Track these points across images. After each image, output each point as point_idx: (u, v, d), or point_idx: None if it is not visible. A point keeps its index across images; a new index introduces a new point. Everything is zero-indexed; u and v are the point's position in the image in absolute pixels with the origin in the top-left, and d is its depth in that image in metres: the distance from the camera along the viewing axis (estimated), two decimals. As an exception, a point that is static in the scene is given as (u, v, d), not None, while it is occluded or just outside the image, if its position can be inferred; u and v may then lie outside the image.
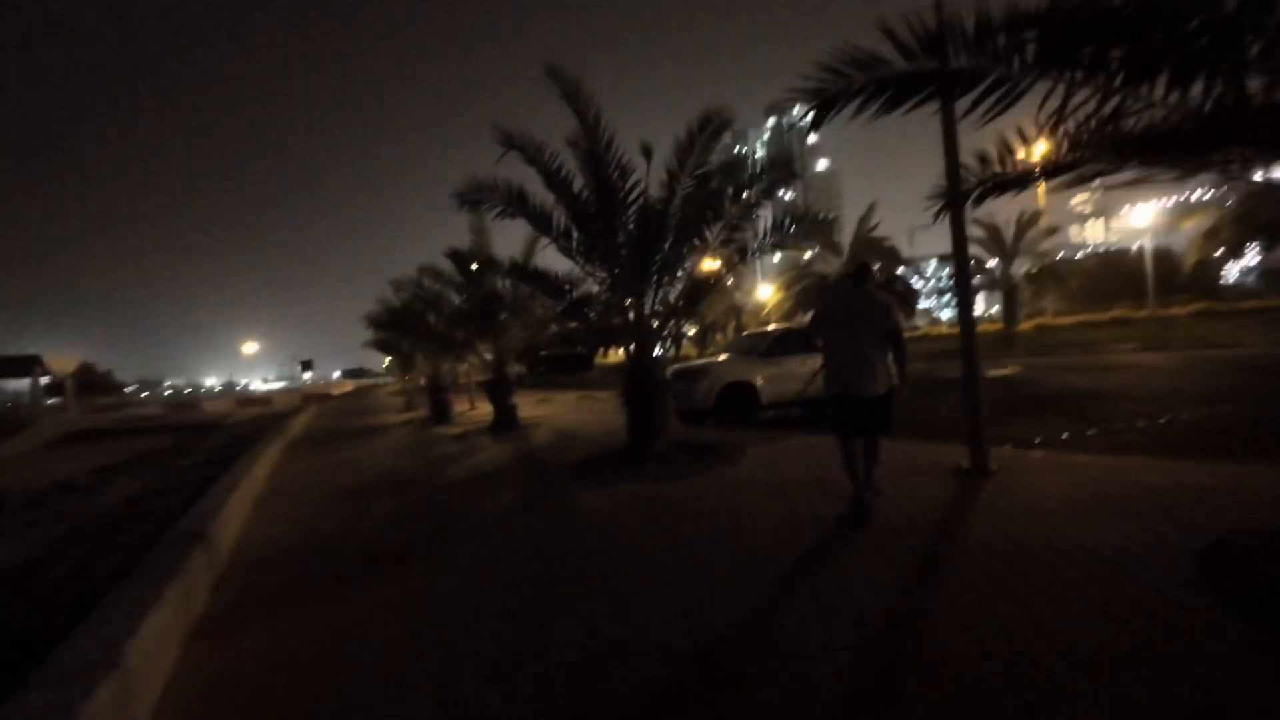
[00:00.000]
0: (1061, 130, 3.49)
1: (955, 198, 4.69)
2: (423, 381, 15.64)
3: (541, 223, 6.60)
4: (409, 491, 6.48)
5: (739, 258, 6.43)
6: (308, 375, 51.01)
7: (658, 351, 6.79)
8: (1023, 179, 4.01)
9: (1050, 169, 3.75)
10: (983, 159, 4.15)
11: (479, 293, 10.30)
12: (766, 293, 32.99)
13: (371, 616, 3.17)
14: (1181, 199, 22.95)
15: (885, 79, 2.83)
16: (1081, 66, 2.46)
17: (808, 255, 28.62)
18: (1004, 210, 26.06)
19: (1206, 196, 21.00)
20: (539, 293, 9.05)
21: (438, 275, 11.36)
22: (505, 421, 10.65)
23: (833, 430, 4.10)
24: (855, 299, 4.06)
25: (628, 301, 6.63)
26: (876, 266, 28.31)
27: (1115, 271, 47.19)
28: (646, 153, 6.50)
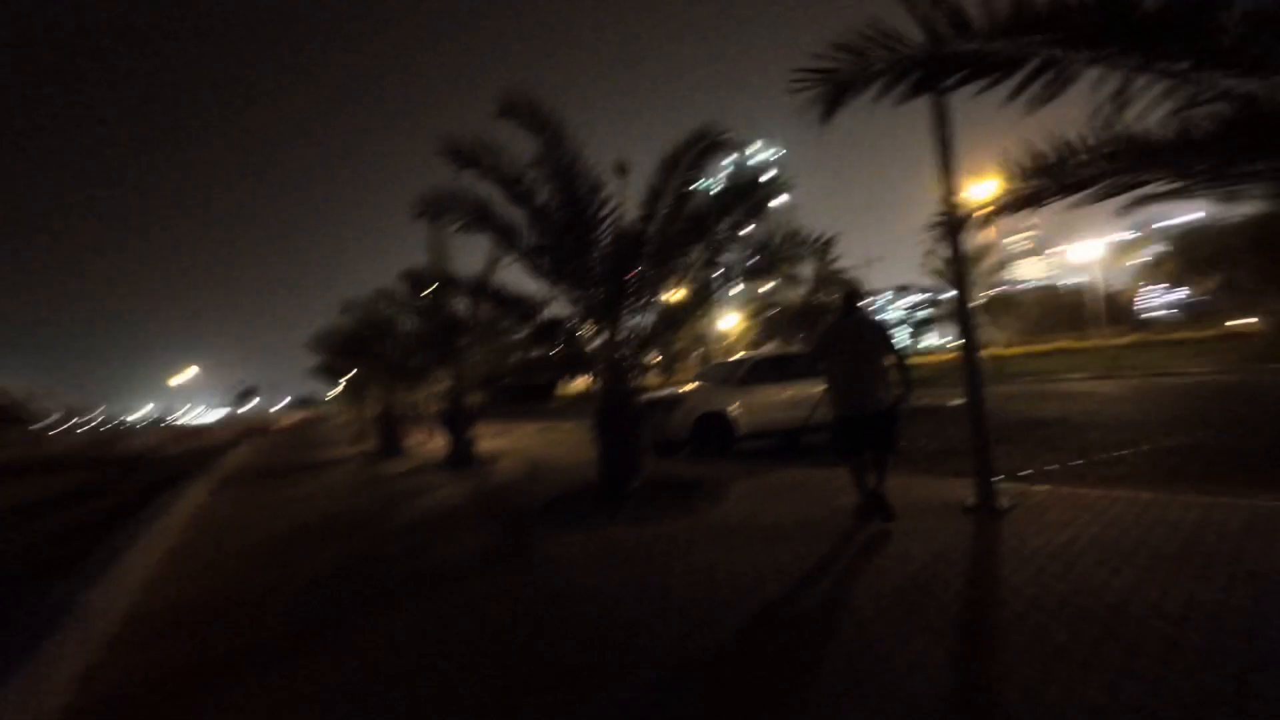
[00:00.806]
0: (1080, 139, 3.25)
1: (953, 219, 4.42)
2: (375, 412, 14.61)
3: (507, 238, 6.08)
4: (350, 538, 5.69)
5: (723, 280, 6.04)
6: (250, 405, 48.19)
7: (633, 381, 6.28)
8: (1037, 195, 3.75)
9: (1073, 184, 3.49)
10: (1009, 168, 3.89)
11: (437, 316, 9.62)
12: (730, 322, 33.08)
13: (283, 715, 2.47)
14: (1121, 237, 24.21)
15: (910, 59, 2.47)
16: (1148, 51, 2.14)
17: (768, 286, 28.90)
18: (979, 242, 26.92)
19: (1156, 225, 22.18)
20: (503, 317, 8.47)
21: (392, 298, 10.63)
22: (462, 455, 9.87)
23: (841, 449, 4.41)
24: (854, 323, 4.43)
25: (601, 326, 6.14)
26: (836, 297, 28.80)
27: (1054, 305, 49.72)
28: (620, 170, 6.11)
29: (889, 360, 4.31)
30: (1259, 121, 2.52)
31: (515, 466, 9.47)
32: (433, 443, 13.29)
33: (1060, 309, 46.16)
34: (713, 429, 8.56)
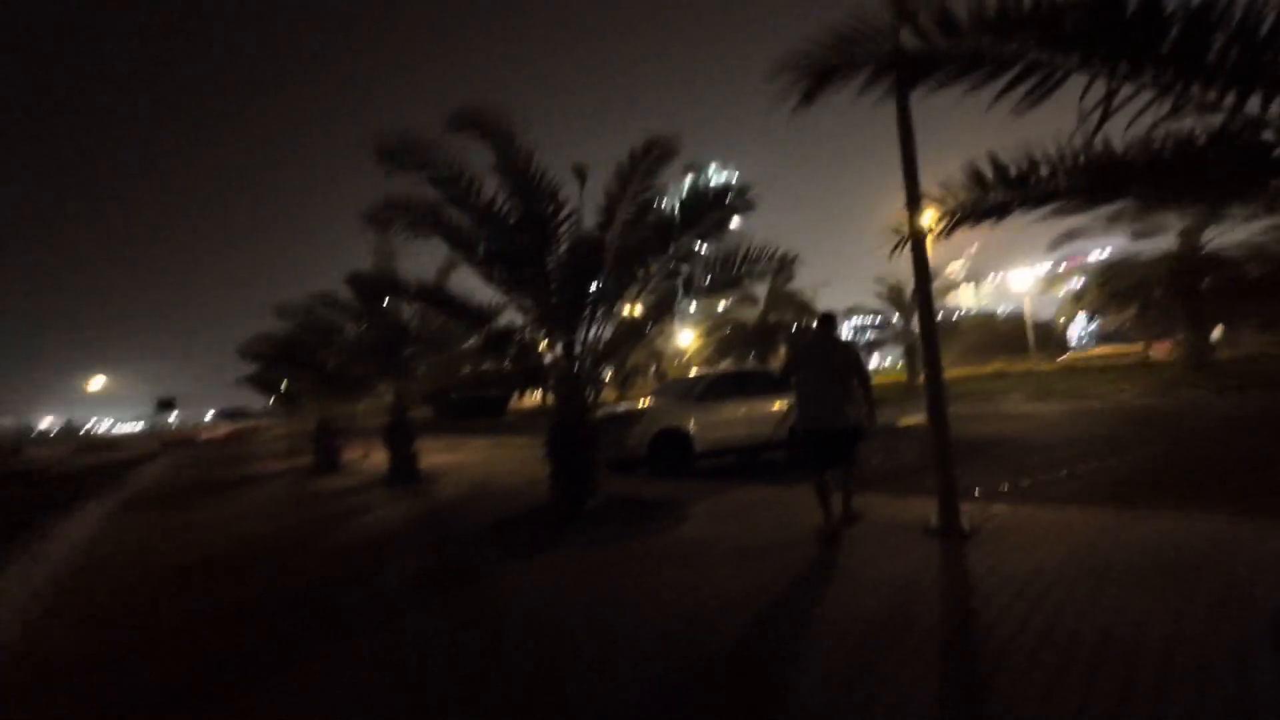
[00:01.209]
0: (1049, 153, 3.23)
1: (916, 231, 4.37)
2: (312, 425, 13.67)
3: (460, 243, 5.72)
4: (273, 567, 5.11)
5: (683, 292, 5.86)
6: (171, 416, 44.84)
7: (590, 396, 5.98)
8: (1002, 208, 3.73)
9: (1034, 197, 3.48)
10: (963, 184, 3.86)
11: (381, 323, 9.05)
12: (685, 339, 33.24)
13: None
14: (1052, 268, 25.60)
15: (893, 54, 2.35)
16: (1138, 59, 2.07)
17: (723, 305, 29.23)
18: (903, 269, 28.09)
19: (1083, 258, 23.55)
20: (453, 326, 8.02)
21: (334, 303, 9.96)
22: (405, 472, 9.27)
23: (806, 464, 4.51)
24: (824, 344, 4.60)
25: (556, 338, 5.84)
26: (790, 319, 29.36)
27: (991, 331, 52.41)
28: (579, 174, 5.88)
29: (855, 382, 4.47)
30: (1227, 146, 2.51)
31: (463, 484, 8.95)
32: (374, 458, 12.52)
33: (996, 335, 48.67)
34: (671, 446, 8.33)
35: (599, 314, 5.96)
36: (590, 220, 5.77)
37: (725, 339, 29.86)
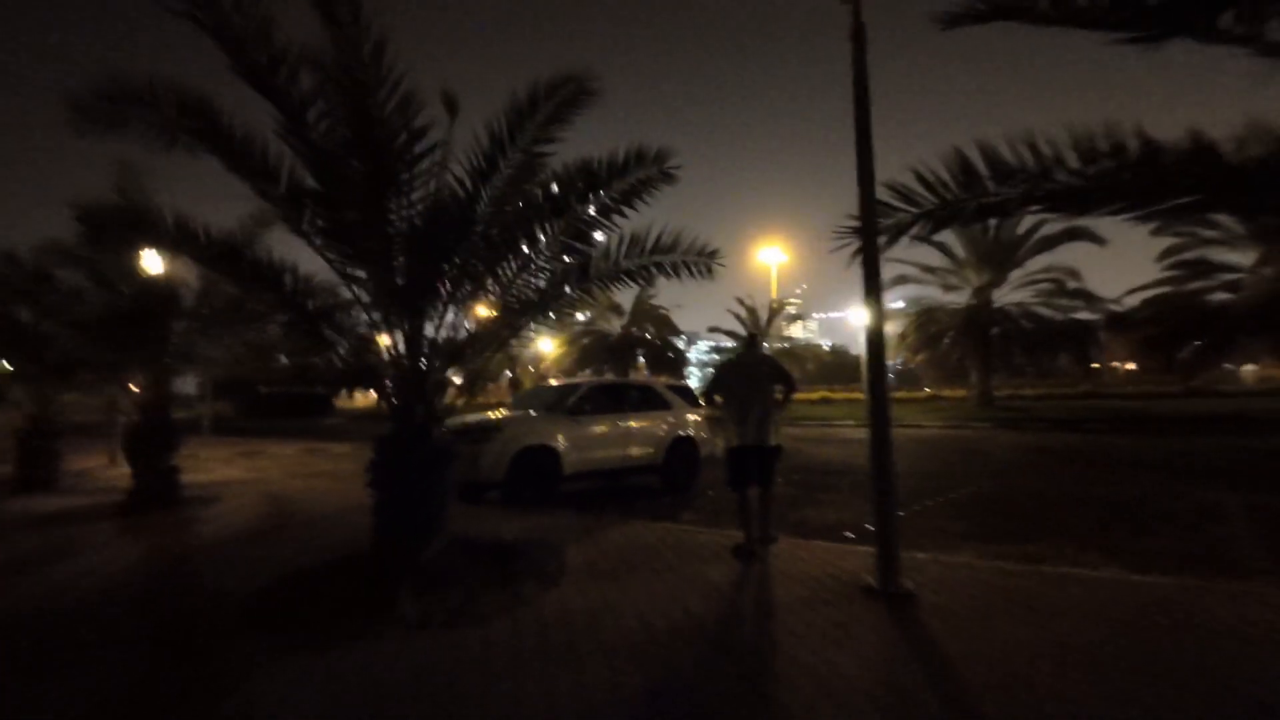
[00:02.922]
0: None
1: (871, 233, 3.64)
2: (19, 423, 9.67)
3: (251, 168, 3.89)
4: None
5: (575, 280, 4.58)
6: None
7: (437, 403, 4.44)
8: (955, 213, 3.09)
9: (989, 206, 2.90)
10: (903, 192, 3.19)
11: (132, 285, 6.43)
12: (546, 346, 31.65)
13: None
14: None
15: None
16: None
17: (585, 315, 28.32)
18: (758, 296, 29.49)
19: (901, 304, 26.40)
20: (251, 296, 5.86)
21: (65, 254, 6.99)
22: (156, 491, 6.68)
23: (730, 483, 4.56)
24: (751, 362, 4.80)
25: (398, 324, 4.24)
26: (653, 331, 29.31)
27: (819, 361, 58.28)
28: (449, 105, 4.40)
29: (779, 388, 4.65)
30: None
31: (248, 510, 6.65)
32: (118, 469, 9.23)
33: (822, 366, 54.21)
34: (536, 468, 6.94)
35: (460, 296, 4.48)
36: (460, 171, 4.31)
37: (586, 349, 28.91)
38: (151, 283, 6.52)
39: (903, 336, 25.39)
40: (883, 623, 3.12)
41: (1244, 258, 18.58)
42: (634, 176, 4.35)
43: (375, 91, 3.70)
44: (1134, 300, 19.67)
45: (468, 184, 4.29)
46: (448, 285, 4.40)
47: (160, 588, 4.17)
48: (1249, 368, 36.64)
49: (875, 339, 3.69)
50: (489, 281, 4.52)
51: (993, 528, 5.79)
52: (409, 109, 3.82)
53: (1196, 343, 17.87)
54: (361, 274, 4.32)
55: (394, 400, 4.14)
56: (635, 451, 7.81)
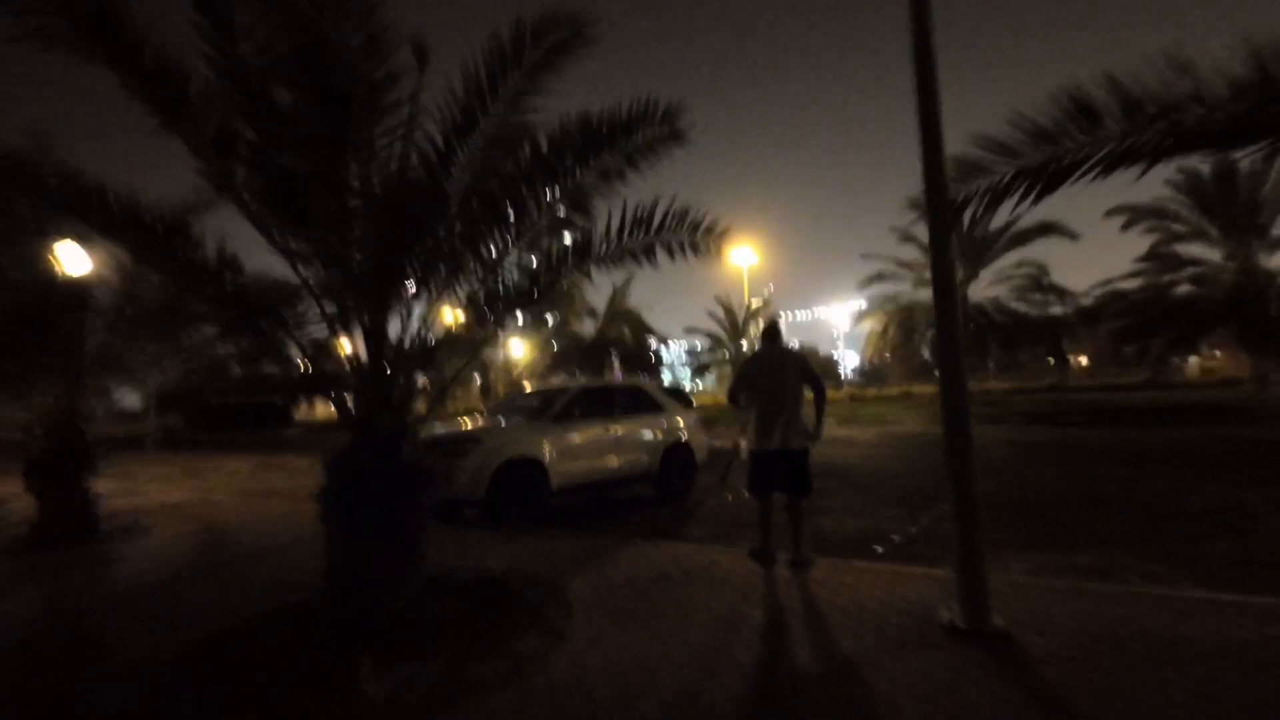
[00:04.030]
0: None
1: (941, 204, 3.03)
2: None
3: (165, 96, 3.04)
4: None
5: (574, 260, 3.84)
6: None
7: (406, 414, 3.65)
8: (1072, 165, 2.49)
9: (1116, 155, 2.29)
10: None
11: (34, 278, 5.37)
12: (516, 349, 30.61)
13: None
14: (860, 308, 28.27)
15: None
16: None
17: (553, 320, 27.42)
18: (733, 296, 29.04)
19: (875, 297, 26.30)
20: (187, 289, 4.92)
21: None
22: (67, 524, 5.65)
23: (752, 488, 4.21)
24: (777, 356, 4.25)
25: (357, 320, 3.45)
26: (628, 332, 28.60)
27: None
28: (419, 53, 3.64)
29: (808, 392, 4.19)
30: None
31: (181, 543, 5.68)
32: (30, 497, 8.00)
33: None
34: (520, 482, 6.14)
35: (433, 281, 3.71)
36: (433, 129, 3.55)
37: (559, 352, 28.01)
38: (56, 276, 5.49)
39: (883, 333, 25.31)
40: (989, 676, 2.47)
41: (1209, 252, 19.03)
42: (639, 137, 3.65)
43: (340, 23, 2.91)
44: (1102, 294, 19.93)
45: (441, 143, 3.53)
46: (418, 268, 3.63)
47: (41, 655, 3.25)
48: (1193, 360, 38.01)
49: (948, 332, 3.06)
50: (469, 263, 3.74)
51: (1027, 535, 5.27)
52: (378, 47, 3.05)
53: (1167, 333, 18.14)
54: (309, 251, 3.51)
55: (349, 411, 3.33)
56: (628, 460, 7.08)
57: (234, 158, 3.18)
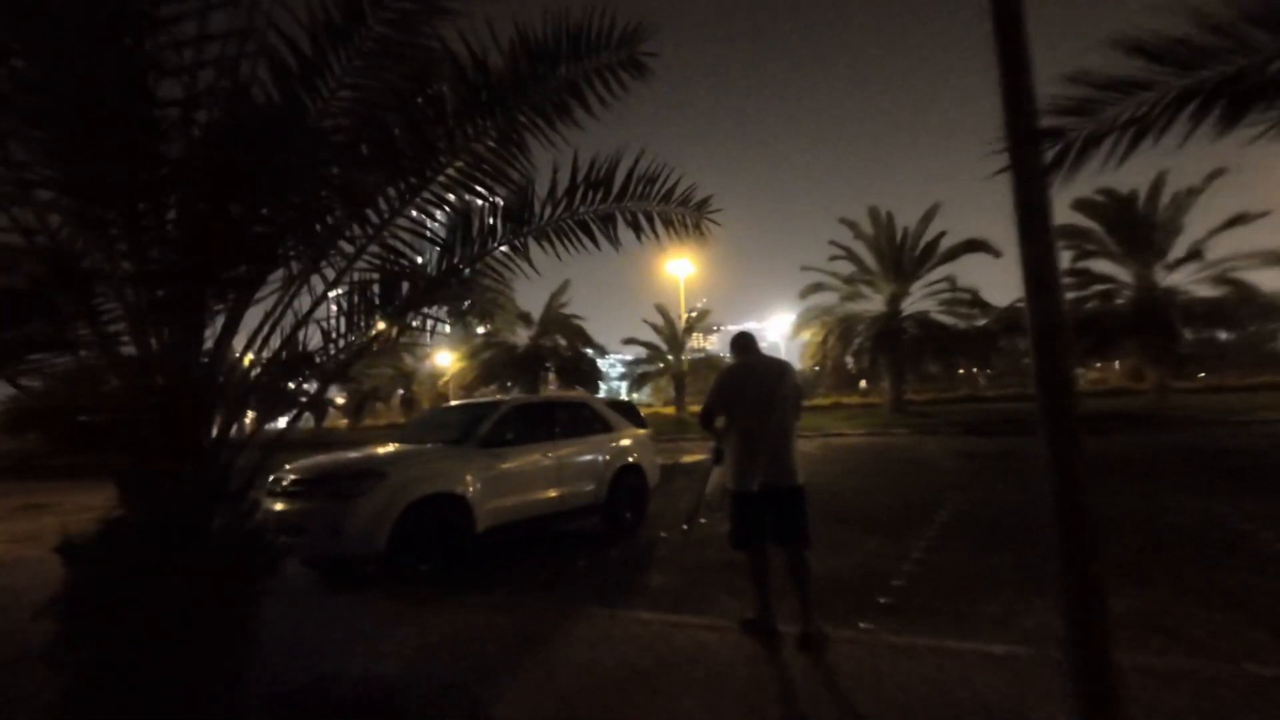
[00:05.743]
0: None
1: (1028, 147, 2.17)
2: None
3: None
4: None
5: (503, 227, 2.72)
6: None
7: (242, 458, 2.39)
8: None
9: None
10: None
11: None
12: (444, 360, 28.58)
13: None
14: (797, 316, 28.39)
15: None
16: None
17: (484, 329, 25.79)
18: (671, 309, 28.47)
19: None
20: None
21: None
22: None
23: (736, 542, 3.37)
24: (761, 369, 3.43)
25: (160, 323, 2.18)
26: (564, 342, 27.31)
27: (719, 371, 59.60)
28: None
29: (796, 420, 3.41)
30: None
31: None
32: None
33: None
34: (435, 526, 4.86)
35: (292, 258, 2.49)
36: (294, 31, 2.34)
37: (489, 362, 26.34)
38: None
39: (822, 343, 25.45)
40: None
41: (1120, 270, 20.31)
42: (590, 62, 2.61)
43: None
44: (1023, 308, 20.85)
45: (308, 51, 2.34)
46: (264, 238, 2.39)
47: None
48: (1080, 371, 41.31)
49: (1048, 342, 2.12)
50: (352, 230, 2.54)
51: (1029, 569, 4.57)
52: None
53: (1079, 345, 19.12)
54: (92, 222, 2.20)
55: (129, 453, 2.05)
56: (571, 491, 5.93)
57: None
